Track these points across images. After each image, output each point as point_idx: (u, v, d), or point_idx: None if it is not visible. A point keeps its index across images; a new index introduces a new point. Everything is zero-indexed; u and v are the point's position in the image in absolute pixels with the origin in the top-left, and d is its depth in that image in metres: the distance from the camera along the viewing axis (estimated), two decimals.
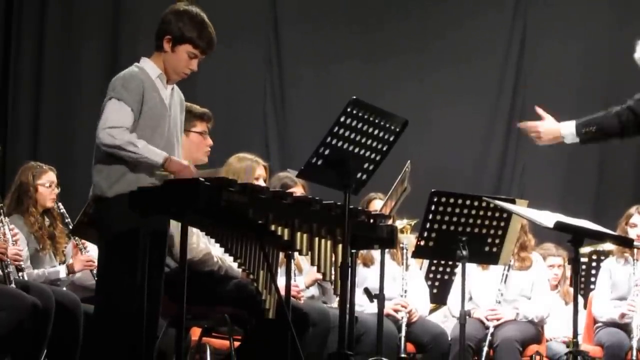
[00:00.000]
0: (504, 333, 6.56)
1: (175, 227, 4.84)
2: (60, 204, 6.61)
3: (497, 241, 5.86)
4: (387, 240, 5.14)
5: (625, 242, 6.15)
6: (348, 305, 4.80)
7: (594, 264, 7.42)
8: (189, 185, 4.34)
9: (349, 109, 4.57)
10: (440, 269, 7.28)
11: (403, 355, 6.41)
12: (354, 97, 4.60)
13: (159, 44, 4.70)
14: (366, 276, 6.63)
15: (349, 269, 4.65)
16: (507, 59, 9.62)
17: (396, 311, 6.62)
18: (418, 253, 6.02)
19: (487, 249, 5.85)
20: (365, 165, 4.75)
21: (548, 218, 5.19)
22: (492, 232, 5.83)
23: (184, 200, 4.30)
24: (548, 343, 7.01)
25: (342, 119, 4.56)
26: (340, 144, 4.60)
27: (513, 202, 5.72)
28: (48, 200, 6.55)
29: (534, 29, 9.61)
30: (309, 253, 4.68)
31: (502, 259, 5.95)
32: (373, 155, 4.74)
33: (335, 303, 6.37)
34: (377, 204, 6.56)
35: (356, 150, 4.66)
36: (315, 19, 9.76)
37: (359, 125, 4.63)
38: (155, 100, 4.62)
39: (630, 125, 5.05)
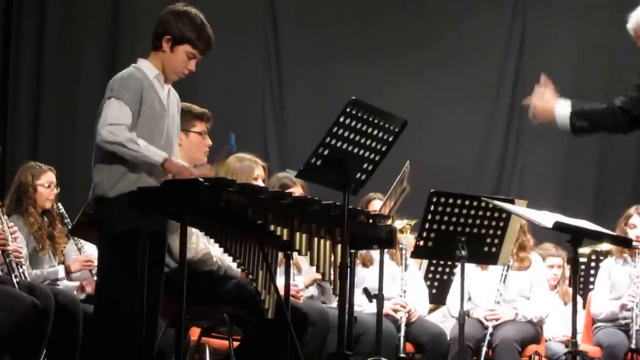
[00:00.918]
0: (503, 333, 6.56)
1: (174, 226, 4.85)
2: (59, 204, 6.62)
3: (496, 241, 5.86)
4: (386, 240, 5.14)
5: (624, 243, 6.16)
6: (347, 306, 4.80)
7: (593, 264, 7.43)
8: (188, 186, 4.34)
9: (348, 109, 4.58)
10: (440, 269, 7.28)
11: (402, 355, 6.41)
12: (353, 97, 4.60)
13: (157, 44, 4.71)
14: (365, 276, 6.63)
15: (348, 269, 4.65)
16: (506, 58, 9.62)
17: (395, 311, 6.62)
18: (417, 253, 6.02)
19: (486, 249, 5.86)
20: (365, 166, 4.76)
21: (547, 218, 5.19)
22: (491, 232, 5.84)
23: (183, 200, 4.30)
24: (547, 343, 7.02)
25: (341, 119, 4.57)
26: (339, 144, 4.60)
27: (512, 202, 5.73)
28: (47, 200, 6.55)
29: (533, 28, 9.62)
30: (308, 253, 4.69)
31: (501, 259, 5.95)
32: (372, 156, 4.75)
33: (334, 303, 6.37)
34: (376, 204, 6.56)
35: (355, 150, 4.67)
36: (314, 19, 9.76)
37: (358, 126, 4.63)
38: (154, 100, 4.63)
39: (621, 124, 4.99)
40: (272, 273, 4.72)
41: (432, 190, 5.79)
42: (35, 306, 5.73)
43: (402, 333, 6.51)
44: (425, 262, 7.32)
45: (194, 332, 5.89)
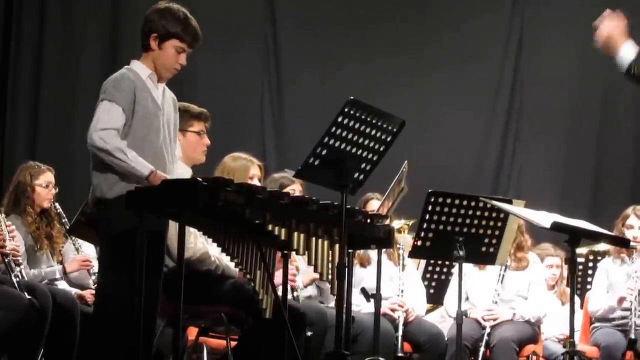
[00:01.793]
0: (500, 333, 6.56)
1: (173, 226, 4.85)
2: (57, 204, 6.61)
3: (494, 241, 5.87)
4: (384, 240, 5.14)
5: (621, 243, 6.17)
6: (345, 305, 4.81)
7: (590, 264, 7.43)
8: (186, 185, 4.34)
9: (346, 109, 4.58)
10: (437, 269, 7.28)
11: (400, 355, 6.41)
12: (352, 97, 4.61)
13: (146, 44, 4.76)
14: (363, 276, 6.63)
15: (346, 269, 4.66)
16: (505, 58, 9.63)
17: (393, 310, 6.62)
18: (415, 253, 6.02)
19: (484, 249, 5.86)
20: (363, 165, 4.76)
21: (545, 218, 5.20)
22: (489, 232, 5.84)
23: (181, 200, 4.31)
24: (545, 343, 7.02)
25: (339, 119, 4.57)
26: (337, 144, 4.61)
27: (510, 202, 5.74)
28: (45, 200, 6.55)
29: (531, 29, 9.62)
30: (306, 253, 4.69)
31: (499, 259, 5.96)
32: (370, 156, 4.76)
33: (332, 303, 6.37)
34: (374, 204, 6.56)
35: (353, 150, 4.67)
36: (313, 19, 9.76)
37: (357, 126, 4.64)
38: (147, 100, 4.65)
39: None
40: (270, 273, 4.72)
41: (430, 190, 5.79)
42: (33, 306, 5.73)
43: (400, 332, 6.51)
44: (423, 262, 7.32)
45: (192, 332, 5.89)
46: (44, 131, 9.28)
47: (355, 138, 4.66)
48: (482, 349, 6.48)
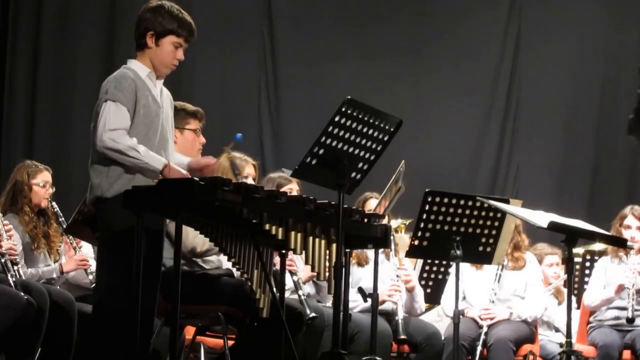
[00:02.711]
0: (497, 332, 6.56)
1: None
2: (54, 203, 6.61)
3: (491, 241, 5.87)
4: (381, 239, 5.14)
5: (618, 243, 6.17)
6: (342, 305, 4.80)
7: (587, 263, 7.43)
8: (183, 185, 4.34)
9: (343, 109, 4.58)
10: (435, 268, 7.28)
11: (403, 337, 6.38)
12: (349, 96, 4.61)
13: (142, 43, 4.78)
14: (361, 276, 6.62)
15: (343, 269, 4.66)
16: (502, 58, 9.63)
17: (390, 296, 6.57)
18: (412, 252, 6.02)
19: (481, 248, 5.86)
20: (360, 165, 4.76)
21: (542, 218, 5.20)
22: (486, 232, 5.84)
23: (178, 199, 4.31)
24: (541, 342, 7.02)
25: (336, 119, 4.58)
26: (334, 143, 4.61)
27: (507, 202, 5.73)
28: (42, 200, 6.54)
29: (528, 28, 9.63)
30: (303, 252, 4.69)
31: (496, 259, 5.95)
32: (367, 155, 4.76)
33: (329, 302, 6.37)
34: (372, 203, 6.56)
35: (350, 149, 4.68)
36: (310, 18, 9.76)
37: (354, 125, 4.64)
38: (148, 99, 4.68)
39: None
40: (267, 272, 4.72)
41: (427, 190, 5.79)
42: (30, 305, 5.72)
43: (400, 316, 6.48)
44: (420, 261, 7.32)
45: (189, 331, 5.90)
46: (41, 130, 9.28)
47: (352, 137, 4.66)
48: (479, 348, 6.47)
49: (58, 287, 6.42)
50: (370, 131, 4.71)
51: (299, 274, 6.18)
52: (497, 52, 9.64)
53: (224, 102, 9.46)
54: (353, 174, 4.76)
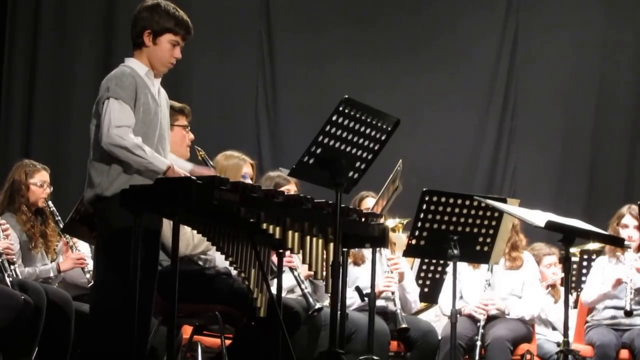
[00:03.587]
0: (494, 332, 6.56)
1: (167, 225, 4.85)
2: (50, 202, 6.61)
3: (488, 240, 5.86)
4: (379, 239, 5.15)
5: (616, 242, 6.17)
6: (339, 304, 4.81)
7: (584, 263, 7.44)
8: (181, 184, 4.34)
9: (341, 108, 4.58)
10: (432, 268, 7.28)
11: (404, 326, 6.38)
12: (346, 95, 4.61)
13: (139, 42, 4.79)
14: (357, 275, 6.63)
15: (340, 268, 4.66)
16: (499, 58, 9.64)
17: (387, 286, 6.56)
18: (409, 252, 6.01)
19: (478, 248, 5.86)
20: (357, 164, 4.77)
21: (539, 217, 5.20)
22: (483, 231, 5.83)
23: (175, 198, 4.31)
24: (539, 342, 7.02)
25: (334, 118, 4.58)
26: (332, 142, 4.61)
27: (504, 201, 5.73)
28: (40, 199, 6.55)
29: (525, 29, 9.63)
30: (301, 251, 4.69)
31: (493, 258, 5.95)
32: (365, 154, 4.76)
33: (326, 301, 6.37)
34: (369, 203, 6.56)
35: (348, 149, 4.68)
36: (308, 18, 9.77)
37: (351, 124, 4.64)
38: (147, 97, 4.69)
39: None
40: (264, 271, 4.72)
41: (424, 189, 5.79)
42: (27, 304, 5.72)
43: (398, 306, 6.47)
44: (417, 261, 7.32)
45: (186, 330, 5.90)
46: (38, 130, 9.27)
47: (349, 137, 4.66)
48: (478, 343, 6.47)
49: (55, 286, 6.42)
50: (368, 130, 4.71)
51: (299, 269, 6.18)
52: (495, 52, 9.65)
53: (222, 102, 9.47)
54: (350, 173, 4.76)
